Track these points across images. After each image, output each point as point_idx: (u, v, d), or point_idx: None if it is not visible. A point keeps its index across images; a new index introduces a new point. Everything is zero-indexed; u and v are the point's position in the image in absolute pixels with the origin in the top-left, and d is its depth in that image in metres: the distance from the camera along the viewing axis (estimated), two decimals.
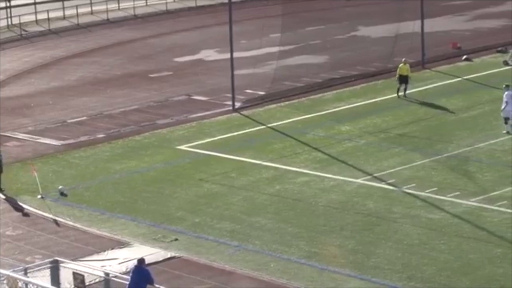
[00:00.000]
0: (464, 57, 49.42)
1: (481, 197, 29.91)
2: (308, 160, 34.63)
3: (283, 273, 25.61)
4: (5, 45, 56.91)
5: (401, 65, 42.68)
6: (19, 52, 55.60)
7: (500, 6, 62.56)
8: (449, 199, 30.23)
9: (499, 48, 50.50)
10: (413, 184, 31.54)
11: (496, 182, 29.41)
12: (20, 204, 31.65)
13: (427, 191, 30.93)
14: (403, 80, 42.42)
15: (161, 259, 26.77)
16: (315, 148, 35.97)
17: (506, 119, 36.29)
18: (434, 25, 53.52)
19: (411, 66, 43.38)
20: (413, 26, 50.02)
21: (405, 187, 31.41)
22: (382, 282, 24.93)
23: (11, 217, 30.64)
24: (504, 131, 36.13)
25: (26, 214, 30.89)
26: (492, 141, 35.61)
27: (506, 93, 36.70)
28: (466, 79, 45.08)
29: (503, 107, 36.52)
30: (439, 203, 29.92)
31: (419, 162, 33.66)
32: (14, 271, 18.72)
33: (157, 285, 22.30)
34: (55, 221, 29.98)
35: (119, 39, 58.10)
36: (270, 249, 27.14)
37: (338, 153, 35.20)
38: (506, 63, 47.30)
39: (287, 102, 42.81)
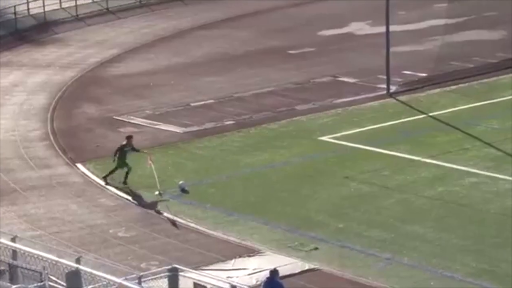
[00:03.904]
0: None
1: None
2: (478, 158, 34.21)
3: None
4: (122, 14, 58.27)
5: None
6: (137, 22, 56.86)
7: None
8: None
9: None
10: None
11: None
12: (135, 201, 32.38)
13: None
14: None
15: (297, 271, 26.92)
16: (487, 143, 35.49)
17: None
18: None
19: None
20: None
21: None
22: None
23: (124, 216, 31.37)
24: None
25: (141, 213, 31.57)
26: None
27: None
28: None
29: None
30: None
31: None
32: (126, 279, 19.09)
33: None
34: (174, 222, 30.53)
35: (254, 8, 58.62)
36: (430, 264, 26.96)
37: None
38: None
39: (453, 87, 42.38)
